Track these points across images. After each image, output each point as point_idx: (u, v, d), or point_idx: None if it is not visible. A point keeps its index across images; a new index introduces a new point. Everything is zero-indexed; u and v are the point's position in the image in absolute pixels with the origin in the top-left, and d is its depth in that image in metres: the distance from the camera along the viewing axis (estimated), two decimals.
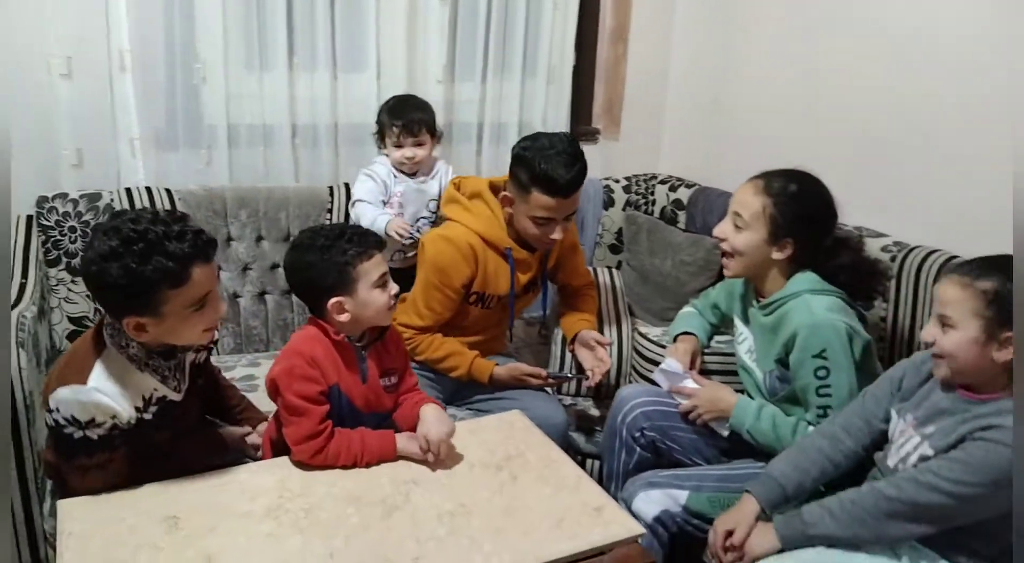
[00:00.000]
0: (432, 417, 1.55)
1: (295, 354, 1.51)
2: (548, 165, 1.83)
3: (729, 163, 2.72)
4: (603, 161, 3.04)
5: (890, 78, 2.17)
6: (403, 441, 1.54)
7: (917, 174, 2.12)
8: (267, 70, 2.38)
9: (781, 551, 1.43)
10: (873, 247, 2.05)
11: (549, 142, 1.88)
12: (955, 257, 1.88)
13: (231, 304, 2.32)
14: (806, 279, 1.66)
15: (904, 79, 2.14)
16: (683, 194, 2.72)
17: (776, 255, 1.66)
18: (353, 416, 1.57)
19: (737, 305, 1.86)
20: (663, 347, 2.02)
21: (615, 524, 1.38)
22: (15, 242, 2.03)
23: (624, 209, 2.85)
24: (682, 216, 2.70)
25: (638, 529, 1.38)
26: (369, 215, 2.19)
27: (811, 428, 1.62)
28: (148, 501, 1.38)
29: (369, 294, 1.53)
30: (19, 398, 1.57)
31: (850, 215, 2.19)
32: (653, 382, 1.92)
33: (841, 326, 1.58)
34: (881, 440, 1.51)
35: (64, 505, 1.38)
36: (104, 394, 1.32)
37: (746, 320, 1.82)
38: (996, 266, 1.33)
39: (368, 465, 1.51)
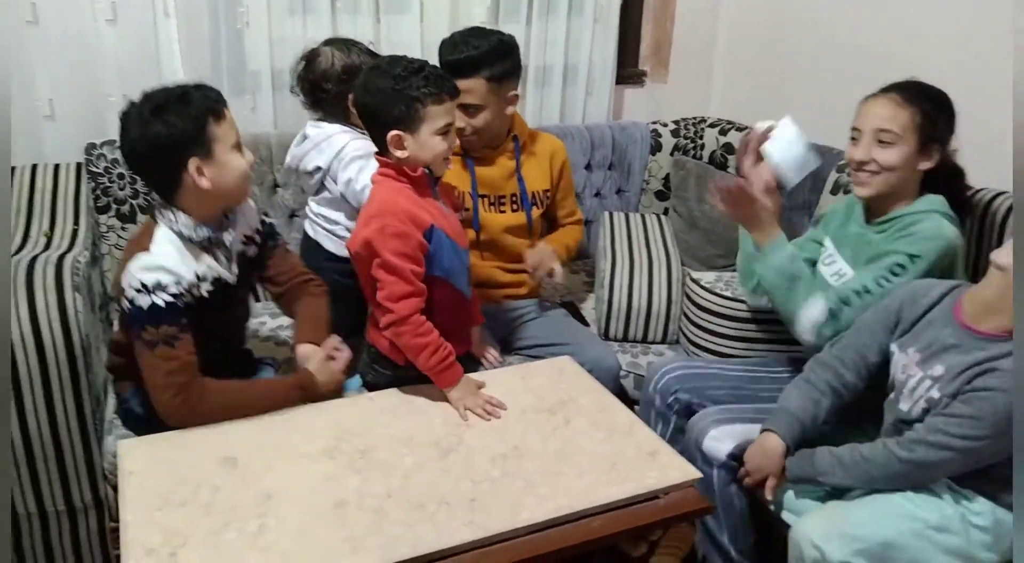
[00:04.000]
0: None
1: (383, 211, 1.50)
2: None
3: (784, 105, 2.59)
4: (650, 104, 2.97)
5: (953, 15, 2.06)
6: (459, 389, 1.53)
7: (979, 117, 2.01)
8: (310, 13, 2.34)
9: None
10: None
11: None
12: (1003, 192, 1.83)
13: None
14: (938, 201, 1.61)
15: (969, 18, 2.03)
16: (734, 137, 2.64)
17: (923, 165, 1.61)
18: (456, 252, 1.59)
19: (834, 225, 1.79)
20: (716, 295, 1.97)
21: (671, 468, 1.37)
22: (66, 189, 2.05)
23: (672, 154, 2.78)
24: (732, 160, 2.63)
25: (694, 473, 1.36)
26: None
27: (826, 295, 1.60)
28: (205, 441, 1.40)
29: (431, 138, 1.50)
30: (76, 341, 1.59)
31: None
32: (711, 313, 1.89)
33: (955, 249, 1.56)
34: (878, 375, 1.51)
35: (124, 445, 1.41)
36: (165, 257, 1.44)
37: (841, 243, 1.75)
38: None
39: (424, 375, 1.54)
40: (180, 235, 1.47)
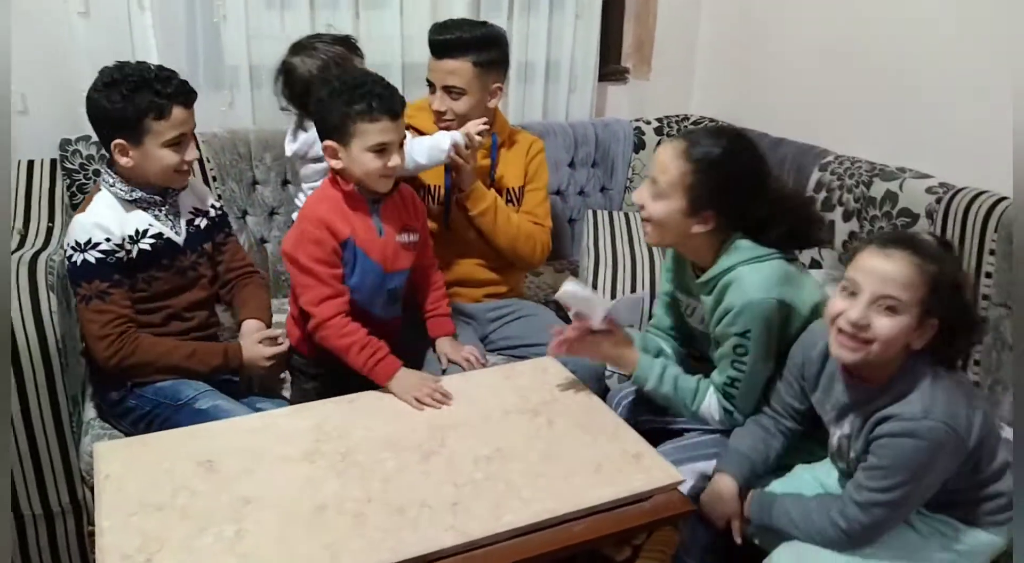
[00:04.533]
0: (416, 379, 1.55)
1: (303, 219, 1.57)
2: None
3: (764, 103, 2.63)
4: (633, 102, 2.96)
5: (936, 12, 2.07)
6: (400, 382, 1.52)
7: (963, 114, 2.03)
8: (288, 8, 2.31)
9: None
10: (918, 189, 1.98)
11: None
12: (1004, 198, 1.81)
13: (258, 249, 2.29)
14: (739, 249, 1.49)
15: (951, 15, 2.03)
16: None
17: (697, 228, 1.48)
18: (373, 274, 1.60)
19: (680, 280, 1.69)
20: None
21: (655, 470, 1.36)
22: (40, 186, 2.00)
23: (655, 151, 2.77)
24: None
25: (678, 476, 1.36)
26: (426, 142, 1.87)
27: (711, 391, 1.56)
28: (184, 444, 1.37)
29: (362, 154, 1.52)
30: (51, 342, 1.56)
31: (893, 156, 2.15)
32: None
33: (771, 305, 1.45)
34: (812, 416, 1.48)
35: (100, 448, 1.38)
36: (98, 216, 1.56)
37: (690, 292, 1.66)
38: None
39: (362, 372, 1.53)
40: (116, 196, 1.59)
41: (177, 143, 1.58)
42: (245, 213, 2.27)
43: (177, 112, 1.56)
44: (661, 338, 1.77)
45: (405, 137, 1.60)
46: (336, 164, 1.55)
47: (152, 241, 1.62)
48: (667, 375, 1.58)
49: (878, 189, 2.08)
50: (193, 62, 2.26)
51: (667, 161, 1.47)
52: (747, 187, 1.48)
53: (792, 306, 1.49)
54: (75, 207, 2.05)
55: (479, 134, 1.86)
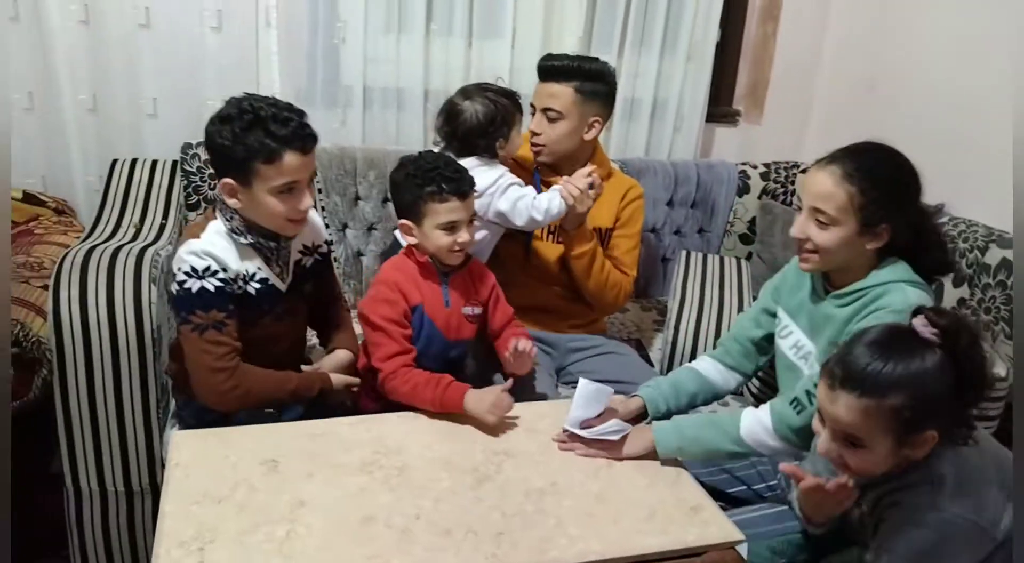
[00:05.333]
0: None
1: (380, 282, 1.64)
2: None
3: None
4: (741, 145, 2.91)
5: None
6: (474, 402, 1.52)
7: None
8: (404, 33, 2.40)
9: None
10: None
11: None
12: None
13: (354, 262, 2.37)
14: (900, 266, 1.45)
15: None
16: None
17: (871, 245, 1.44)
18: (438, 340, 1.66)
19: (785, 294, 1.64)
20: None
21: (713, 526, 1.31)
22: (160, 184, 2.15)
23: (760, 197, 2.71)
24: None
25: (737, 535, 1.30)
26: (545, 197, 1.86)
27: (760, 410, 1.48)
28: (252, 441, 1.42)
29: (432, 231, 1.59)
30: (148, 331, 1.66)
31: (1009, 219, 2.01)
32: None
33: None
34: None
35: (177, 436, 1.45)
36: (214, 246, 1.48)
37: (796, 313, 1.60)
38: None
39: (435, 407, 1.53)
40: (232, 231, 1.51)
41: (288, 191, 1.46)
42: (345, 226, 2.35)
43: (289, 158, 1.43)
44: (721, 359, 1.71)
45: (475, 215, 1.65)
46: (411, 240, 1.63)
47: (258, 286, 1.55)
48: (686, 422, 1.52)
49: (993, 256, 1.96)
50: (312, 79, 2.38)
51: (830, 188, 1.41)
52: (912, 192, 1.44)
53: None
54: (190, 207, 2.18)
55: (590, 187, 1.83)
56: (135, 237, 1.92)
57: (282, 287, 1.59)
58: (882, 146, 1.47)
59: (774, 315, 1.67)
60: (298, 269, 1.64)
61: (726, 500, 1.60)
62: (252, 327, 1.54)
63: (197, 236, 1.49)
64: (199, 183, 2.18)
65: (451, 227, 1.59)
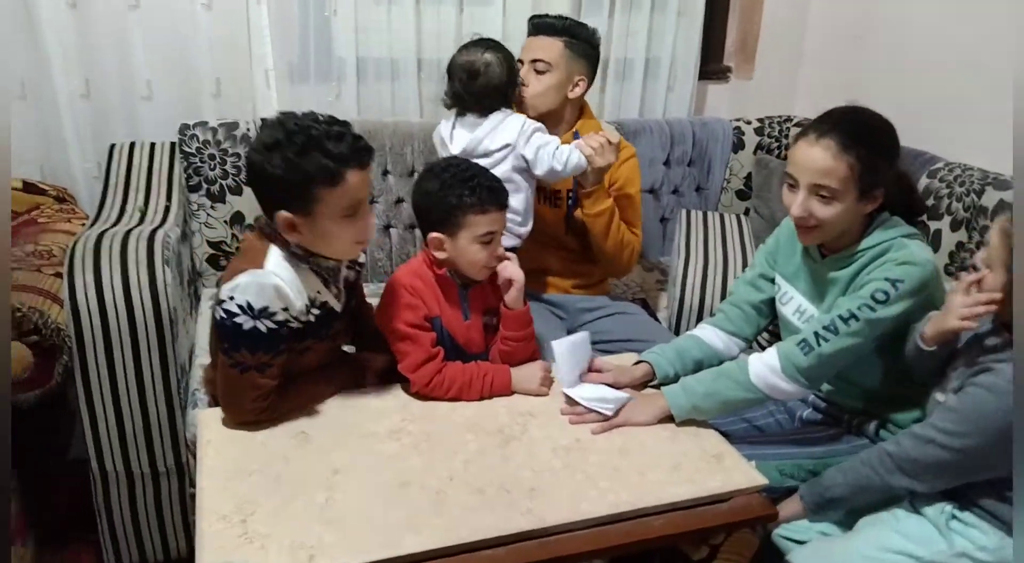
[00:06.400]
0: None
1: (396, 287, 1.53)
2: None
3: (872, 105, 2.51)
4: (734, 101, 2.92)
5: None
6: (521, 382, 1.54)
7: None
8: (395, 3, 2.38)
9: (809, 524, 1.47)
10: None
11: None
12: None
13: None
14: (896, 223, 1.49)
15: None
16: None
17: (867, 209, 1.47)
18: (456, 354, 1.58)
19: (784, 262, 1.65)
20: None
21: (736, 472, 1.35)
22: (160, 167, 2.14)
23: (755, 153, 2.73)
24: None
25: (760, 480, 1.34)
26: (567, 148, 1.87)
27: (768, 352, 1.49)
28: (281, 416, 1.44)
29: (469, 245, 1.51)
30: (164, 312, 1.67)
31: (1008, 164, 2.04)
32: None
33: (934, 271, 1.44)
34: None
35: (203, 415, 1.46)
36: (281, 279, 1.34)
37: (793, 278, 1.63)
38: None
39: (482, 397, 1.52)
40: (293, 255, 1.38)
41: (353, 213, 1.36)
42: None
43: (352, 176, 1.31)
44: (721, 326, 1.72)
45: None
46: (441, 255, 1.53)
47: (318, 312, 1.42)
48: (697, 379, 1.52)
49: (990, 198, 1.99)
50: (305, 54, 2.36)
51: (830, 163, 1.42)
52: (897, 147, 1.48)
53: (938, 287, 1.48)
54: (191, 189, 2.18)
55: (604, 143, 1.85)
56: (141, 221, 1.92)
57: (339, 308, 1.48)
58: (861, 109, 1.49)
59: (771, 280, 1.70)
60: (347, 285, 1.53)
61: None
62: (301, 355, 1.44)
63: (260, 265, 1.34)
64: (199, 164, 2.17)
65: (487, 239, 1.52)
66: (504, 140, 1.87)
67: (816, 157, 1.43)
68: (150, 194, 2.05)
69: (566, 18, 2.01)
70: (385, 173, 2.38)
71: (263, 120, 1.38)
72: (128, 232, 1.77)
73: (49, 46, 2.10)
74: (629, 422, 1.47)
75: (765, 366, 1.49)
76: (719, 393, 1.50)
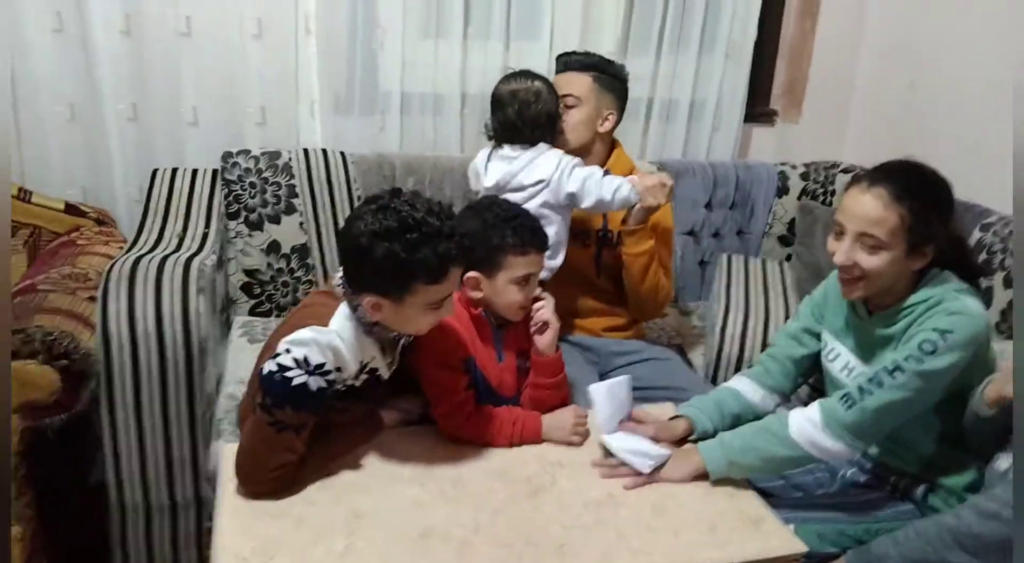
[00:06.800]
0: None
1: (437, 331, 1.47)
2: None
3: (923, 152, 2.43)
4: (779, 145, 2.86)
5: None
6: (552, 431, 1.50)
7: None
8: (442, 38, 2.38)
9: None
10: None
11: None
12: None
13: None
14: (949, 279, 1.44)
15: None
16: None
17: (916, 265, 1.43)
18: (489, 396, 1.55)
19: (832, 317, 1.60)
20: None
21: (774, 537, 1.29)
22: (201, 193, 2.15)
23: (799, 198, 2.67)
24: None
25: (800, 547, 1.27)
26: (616, 178, 1.84)
27: (810, 408, 1.42)
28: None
29: (506, 286, 1.51)
30: (195, 342, 1.65)
31: None
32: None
33: (986, 325, 1.39)
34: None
35: (228, 449, 1.42)
36: (342, 340, 1.32)
37: (842, 335, 1.57)
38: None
39: (512, 444, 1.48)
40: (360, 320, 1.36)
41: (440, 306, 1.36)
42: None
43: (452, 275, 1.33)
44: (760, 380, 1.66)
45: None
46: (476, 294, 1.53)
47: (366, 377, 1.43)
48: (734, 433, 1.47)
49: None
50: (350, 86, 2.37)
51: (880, 212, 1.38)
52: (952, 205, 1.44)
53: (990, 347, 1.43)
54: (230, 216, 2.18)
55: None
56: (178, 247, 1.92)
57: (387, 376, 1.47)
58: (917, 164, 1.45)
59: (816, 335, 1.64)
60: (400, 351, 1.51)
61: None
62: (338, 413, 1.41)
63: (325, 321, 1.33)
64: (239, 191, 2.18)
65: (525, 281, 1.52)
66: (539, 176, 1.84)
67: (867, 205, 1.39)
68: (189, 220, 2.06)
69: (593, 54, 2.01)
70: None
71: (367, 199, 1.35)
72: (164, 258, 1.76)
73: (101, 70, 2.13)
74: (662, 479, 1.42)
75: (807, 420, 1.43)
76: (758, 448, 1.44)
